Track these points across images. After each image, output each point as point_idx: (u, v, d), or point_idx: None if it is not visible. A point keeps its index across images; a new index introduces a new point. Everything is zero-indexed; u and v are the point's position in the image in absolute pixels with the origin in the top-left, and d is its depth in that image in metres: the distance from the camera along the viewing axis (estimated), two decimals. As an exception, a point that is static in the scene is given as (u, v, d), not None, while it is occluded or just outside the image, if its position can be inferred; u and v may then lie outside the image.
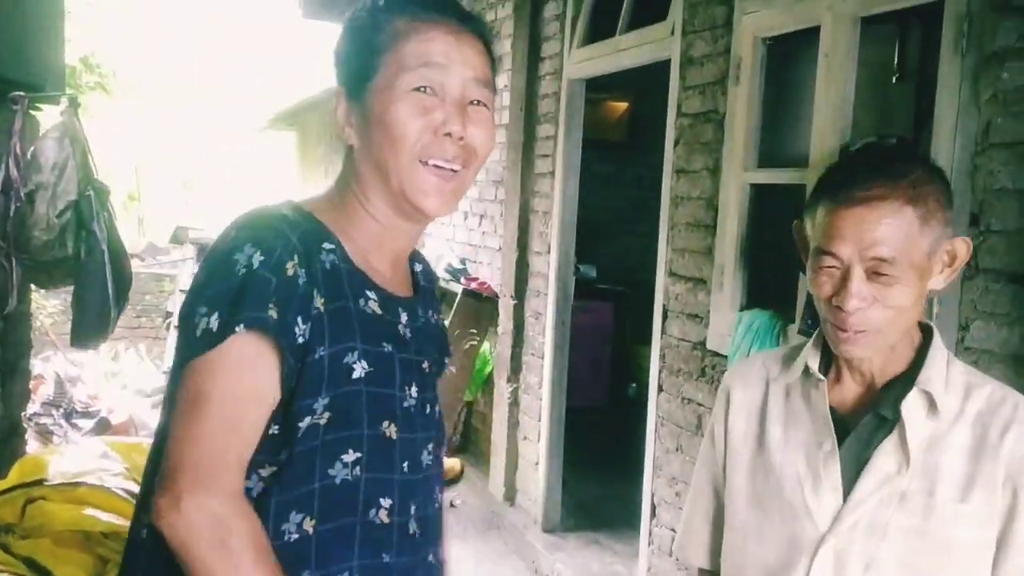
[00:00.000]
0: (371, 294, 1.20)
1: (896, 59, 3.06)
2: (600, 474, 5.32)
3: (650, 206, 4.02)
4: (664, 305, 3.51)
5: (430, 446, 1.27)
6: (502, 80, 5.17)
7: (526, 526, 4.69)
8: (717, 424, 1.47)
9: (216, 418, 1.07)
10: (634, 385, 7.28)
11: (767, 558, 1.35)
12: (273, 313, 1.07)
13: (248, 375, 1.08)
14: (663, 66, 3.54)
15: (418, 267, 1.38)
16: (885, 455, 1.27)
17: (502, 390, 5.02)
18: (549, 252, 4.60)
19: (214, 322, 1.06)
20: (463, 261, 5.73)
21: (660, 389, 3.54)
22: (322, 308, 1.12)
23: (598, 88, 6.28)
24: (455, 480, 5.48)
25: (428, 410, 1.28)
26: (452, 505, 5.13)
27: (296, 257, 1.10)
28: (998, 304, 2.14)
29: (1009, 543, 1.23)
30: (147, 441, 2.07)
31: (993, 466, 1.23)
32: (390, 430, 1.18)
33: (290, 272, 1.09)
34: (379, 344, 1.18)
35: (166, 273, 9.46)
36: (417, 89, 1.17)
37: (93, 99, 10.88)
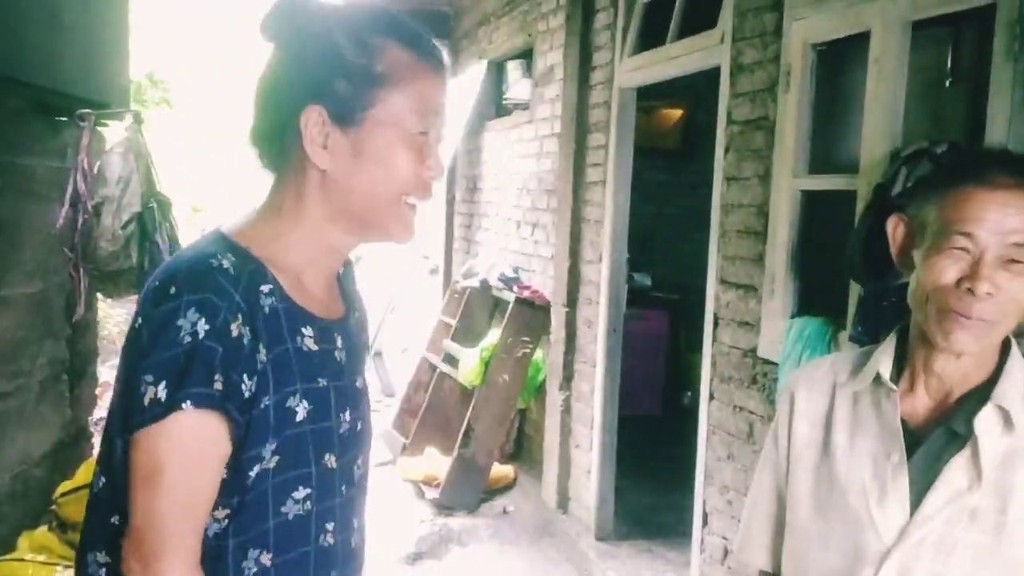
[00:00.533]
0: (307, 330, 1.20)
1: (949, 63, 3.02)
2: (653, 482, 5.31)
3: (705, 214, 4.00)
4: (715, 312, 3.50)
5: (359, 460, 1.32)
6: (554, 90, 5.21)
7: (579, 534, 4.70)
8: (781, 427, 1.46)
9: (175, 488, 1.08)
10: (689, 394, 7.21)
11: (830, 566, 1.34)
12: (219, 385, 1.08)
13: (197, 445, 1.09)
14: (717, 73, 3.54)
15: (340, 270, 1.36)
16: (956, 470, 1.25)
17: (554, 398, 5.05)
18: (601, 260, 4.61)
19: (161, 393, 1.06)
20: (516, 270, 5.77)
21: (711, 397, 3.53)
22: (265, 359, 1.13)
23: (652, 96, 6.29)
24: (508, 487, 5.51)
25: (359, 427, 1.31)
26: (505, 512, 5.17)
27: (240, 316, 1.10)
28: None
29: None
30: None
31: None
32: (331, 461, 1.23)
33: (235, 334, 1.09)
34: (315, 380, 1.20)
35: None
36: (421, 133, 1.20)
37: (157, 113, 11.18)
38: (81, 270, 3.09)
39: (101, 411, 4.93)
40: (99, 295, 3.41)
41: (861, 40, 2.79)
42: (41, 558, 1.84)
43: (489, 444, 5.25)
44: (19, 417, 3.06)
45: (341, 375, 1.26)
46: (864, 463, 1.33)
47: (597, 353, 4.64)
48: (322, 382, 1.21)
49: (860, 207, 2.67)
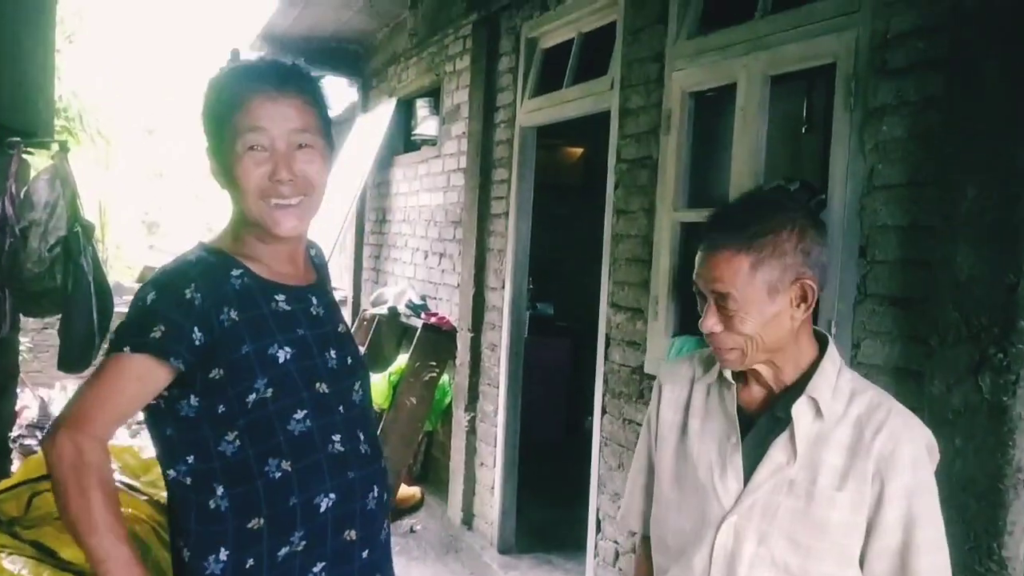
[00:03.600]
0: (279, 296, 1.60)
1: (805, 112, 3.43)
2: (554, 499, 5.57)
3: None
4: (607, 334, 3.82)
5: (356, 385, 1.67)
6: (460, 127, 5.51)
7: (483, 548, 4.93)
8: (652, 413, 1.77)
9: (98, 393, 1.49)
10: (590, 418, 7.55)
11: (683, 528, 1.63)
12: (156, 334, 1.46)
13: (127, 376, 1.48)
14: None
15: (312, 251, 1.79)
16: (778, 448, 1.54)
17: (460, 418, 5.29)
18: (504, 287, 4.90)
19: (117, 340, 1.49)
20: (423, 298, 6.01)
21: (604, 412, 3.84)
22: (236, 318, 1.52)
23: (555, 135, 6.65)
24: (416, 507, 5.70)
25: (349, 362, 1.66)
26: (412, 531, 5.36)
27: (192, 285, 1.49)
28: (882, 324, 2.48)
29: (876, 526, 1.50)
30: (137, 444, 2.32)
31: (865, 462, 1.50)
32: (322, 387, 1.58)
33: (186, 295, 1.48)
34: (293, 331, 1.58)
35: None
36: (251, 148, 1.53)
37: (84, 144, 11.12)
38: (6, 290, 3.21)
39: (20, 429, 4.97)
40: (21, 315, 3.51)
41: (731, 90, 3.17)
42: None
43: (397, 465, 5.45)
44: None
45: (321, 324, 1.63)
46: (711, 444, 1.62)
47: (500, 375, 4.91)
48: (300, 331, 1.58)
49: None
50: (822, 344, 1.63)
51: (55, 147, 3.39)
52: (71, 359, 3.28)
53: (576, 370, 7.78)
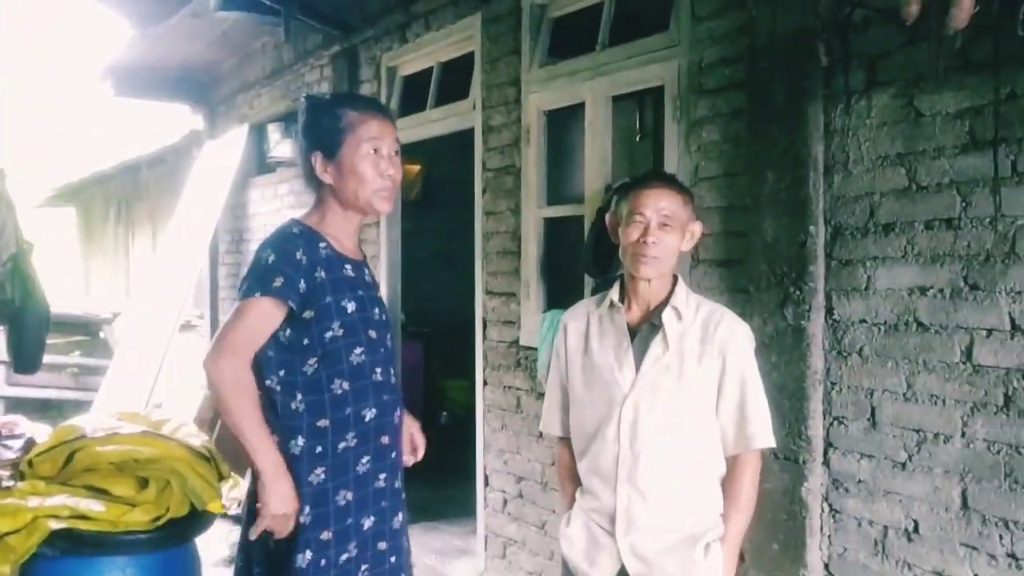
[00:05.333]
0: (348, 266, 2.21)
1: (638, 124, 4.22)
2: (427, 483, 6.13)
3: (448, 255, 4.91)
4: (484, 317, 4.48)
5: (387, 336, 2.29)
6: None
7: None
8: (559, 346, 2.46)
9: (241, 328, 2.11)
10: (445, 414, 8.20)
11: (596, 415, 2.32)
12: (277, 283, 2.07)
13: (261, 313, 2.10)
14: (455, 136, 4.57)
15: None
16: (656, 345, 2.27)
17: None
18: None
19: (249, 288, 2.11)
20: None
21: (485, 383, 4.48)
22: (324, 277, 2.10)
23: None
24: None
25: (384, 318, 2.30)
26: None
27: (299, 252, 2.13)
28: (712, 281, 3.27)
29: (722, 388, 2.27)
30: (143, 412, 2.77)
31: (712, 346, 2.26)
32: (372, 333, 2.20)
33: (297, 256, 2.11)
34: (356, 292, 2.21)
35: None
36: (374, 150, 2.16)
37: None
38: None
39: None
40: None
41: (577, 108, 3.92)
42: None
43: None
44: None
45: (369, 289, 2.24)
46: (609, 351, 2.33)
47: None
48: (360, 292, 2.18)
49: (587, 224, 3.76)
50: (673, 278, 2.38)
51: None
52: (26, 362, 3.58)
53: (428, 371, 8.39)
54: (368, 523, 2.23)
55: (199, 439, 2.91)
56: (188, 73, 7.56)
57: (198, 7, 5.78)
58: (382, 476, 2.25)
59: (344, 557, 2.17)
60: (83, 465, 2.48)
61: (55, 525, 2.34)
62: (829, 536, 2.89)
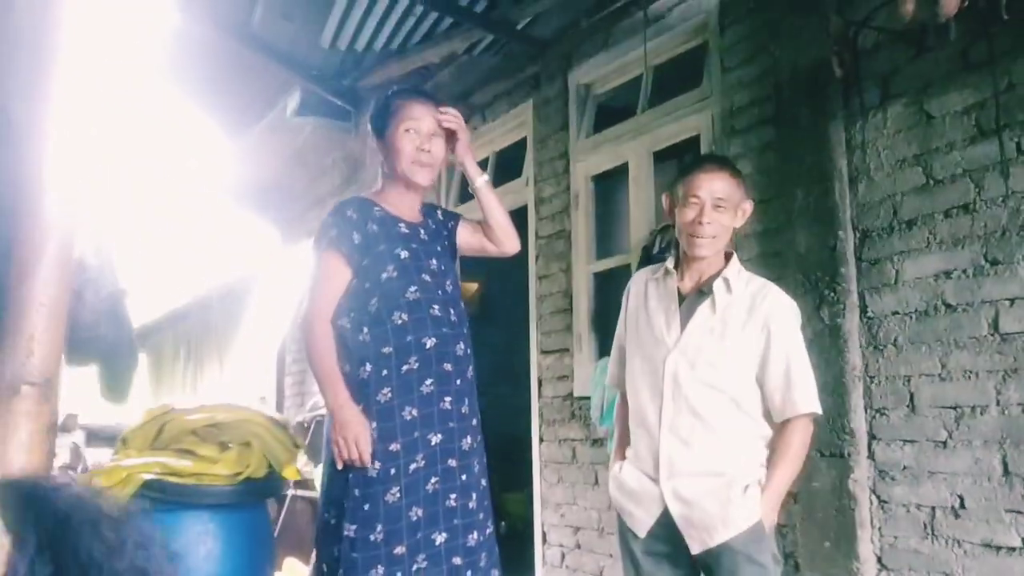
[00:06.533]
0: (401, 225, 2.51)
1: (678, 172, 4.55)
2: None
3: (505, 369, 5.17)
4: (539, 376, 4.67)
5: (448, 281, 2.53)
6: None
7: None
8: (623, 308, 2.67)
9: (318, 288, 2.43)
10: (504, 523, 8.18)
11: (644, 368, 2.50)
12: (332, 234, 2.42)
13: (327, 267, 2.43)
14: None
15: (438, 211, 2.70)
16: (703, 308, 2.46)
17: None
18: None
19: (314, 250, 2.44)
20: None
21: (541, 440, 4.62)
22: (376, 230, 2.42)
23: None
24: None
25: (443, 267, 2.54)
26: None
27: (351, 211, 2.47)
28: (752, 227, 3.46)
29: (768, 357, 2.42)
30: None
31: (757, 316, 2.44)
32: (426, 277, 2.46)
33: (350, 215, 2.45)
34: (409, 244, 2.47)
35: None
36: (407, 130, 2.48)
37: None
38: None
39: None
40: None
41: (622, 169, 4.25)
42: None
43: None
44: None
45: (424, 244, 2.51)
46: (660, 311, 2.53)
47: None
48: (413, 245, 2.45)
49: (635, 268, 4.01)
50: (728, 255, 2.59)
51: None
52: (117, 393, 3.85)
53: (489, 484, 8.38)
54: (436, 439, 2.40)
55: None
56: (264, 190, 8.15)
57: (275, 121, 6.37)
58: (447, 399, 2.43)
59: (412, 467, 2.34)
60: (171, 435, 2.71)
61: (147, 476, 2.55)
62: (879, 527, 2.94)
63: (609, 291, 4.40)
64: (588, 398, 4.23)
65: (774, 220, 3.40)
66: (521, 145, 5.05)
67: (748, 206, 2.55)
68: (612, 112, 4.42)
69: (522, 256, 4.86)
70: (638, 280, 2.68)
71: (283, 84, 6.09)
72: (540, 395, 4.66)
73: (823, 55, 3.15)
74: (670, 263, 2.58)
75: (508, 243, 2.64)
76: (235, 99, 6.35)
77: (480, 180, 2.59)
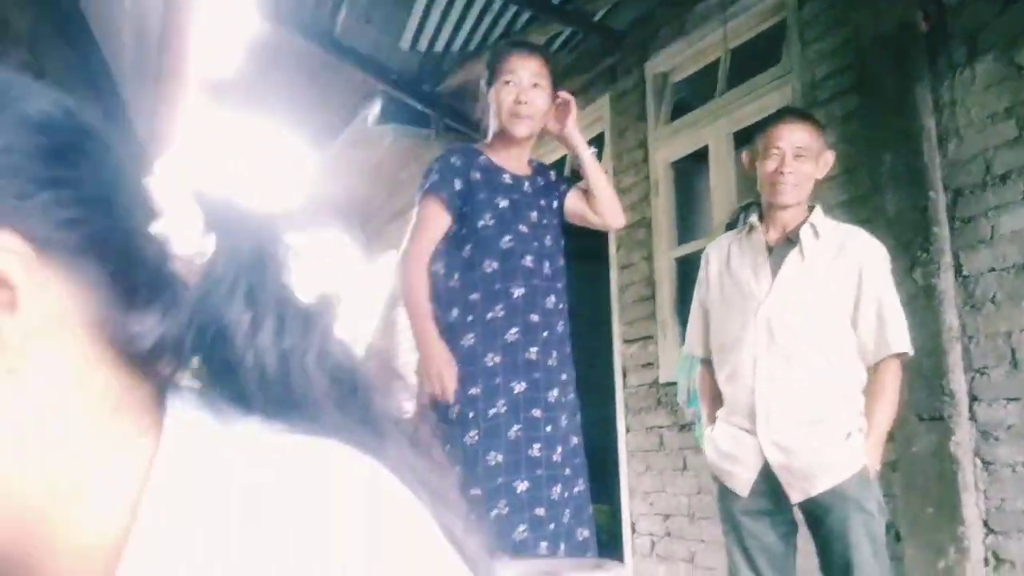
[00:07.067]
0: (504, 175, 2.53)
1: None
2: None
3: (586, 384, 5.24)
4: (623, 365, 4.66)
5: (548, 236, 2.54)
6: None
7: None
8: (702, 272, 2.68)
9: (415, 232, 2.47)
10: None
11: (734, 324, 2.50)
12: (434, 179, 2.46)
13: (427, 212, 2.46)
14: (586, 264, 4.90)
15: (550, 172, 2.70)
16: (792, 257, 2.45)
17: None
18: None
19: (420, 189, 2.49)
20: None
21: (628, 429, 4.61)
22: (479, 178, 2.46)
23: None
24: None
25: (545, 221, 2.56)
26: None
27: (455, 158, 2.50)
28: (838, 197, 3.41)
29: (860, 298, 2.41)
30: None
31: (848, 259, 2.43)
32: (523, 228, 2.48)
33: (453, 161, 2.49)
34: (510, 194, 2.49)
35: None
36: (507, 82, 2.50)
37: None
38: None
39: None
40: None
41: (700, 153, 4.25)
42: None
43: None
44: None
45: (527, 196, 2.53)
46: (747, 265, 2.53)
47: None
48: (515, 196, 2.49)
49: (718, 248, 4.00)
50: (811, 207, 2.58)
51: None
52: None
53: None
54: (519, 387, 2.41)
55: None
56: (345, 205, 8.33)
57: (355, 134, 6.53)
58: (532, 349, 2.44)
59: (492, 412, 2.37)
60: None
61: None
62: (984, 490, 2.86)
63: (691, 275, 4.35)
64: (674, 384, 4.21)
65: (861, 187, 3.36)
66: (596, 141, 5.09)
67: (830, 156, 2.54)
68: (688, 100, 4.43)
69: (600, 252, 4.90)
70: (719, 246, 2.68)
71: (362, 99, 6.25)
72: (625, 384, 4.65)
73: (904, 18, 3.13)
74: (754, 218, 2.58)
75: (610, 216, 2.62)
76: (316, 113, 6.54)
77: (587, 153, 2.60)
